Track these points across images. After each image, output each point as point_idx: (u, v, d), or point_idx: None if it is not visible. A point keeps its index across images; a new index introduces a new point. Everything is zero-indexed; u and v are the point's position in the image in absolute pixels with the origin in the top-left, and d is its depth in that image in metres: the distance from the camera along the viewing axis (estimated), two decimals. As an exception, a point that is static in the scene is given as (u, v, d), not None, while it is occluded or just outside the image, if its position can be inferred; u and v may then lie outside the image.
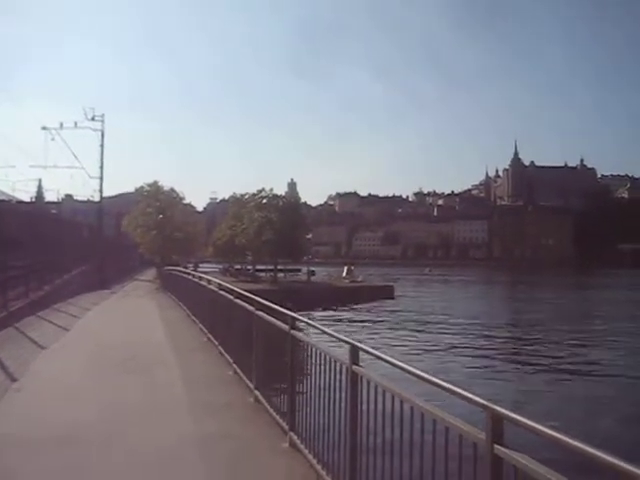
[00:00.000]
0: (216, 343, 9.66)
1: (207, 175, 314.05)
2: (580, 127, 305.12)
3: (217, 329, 9.85)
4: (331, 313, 32.41)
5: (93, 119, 31.68)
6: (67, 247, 22.38)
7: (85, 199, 43.00)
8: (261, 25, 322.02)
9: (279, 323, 5.65)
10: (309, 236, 51.63)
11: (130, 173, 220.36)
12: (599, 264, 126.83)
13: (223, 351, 8.92)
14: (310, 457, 4.55)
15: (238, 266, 57.92)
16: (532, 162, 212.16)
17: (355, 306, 36.00)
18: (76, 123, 31.18)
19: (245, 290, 7.97)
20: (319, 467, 4.33)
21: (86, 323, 14.04)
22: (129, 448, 4.95)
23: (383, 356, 3.41)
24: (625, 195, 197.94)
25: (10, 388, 6.98)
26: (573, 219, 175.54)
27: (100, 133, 32.21)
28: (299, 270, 54.31)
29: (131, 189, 47.95)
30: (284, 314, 5.54)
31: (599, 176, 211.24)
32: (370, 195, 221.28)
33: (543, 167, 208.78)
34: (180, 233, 40.41)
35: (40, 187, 54.72)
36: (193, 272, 17.84)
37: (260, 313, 6.48)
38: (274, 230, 42.66)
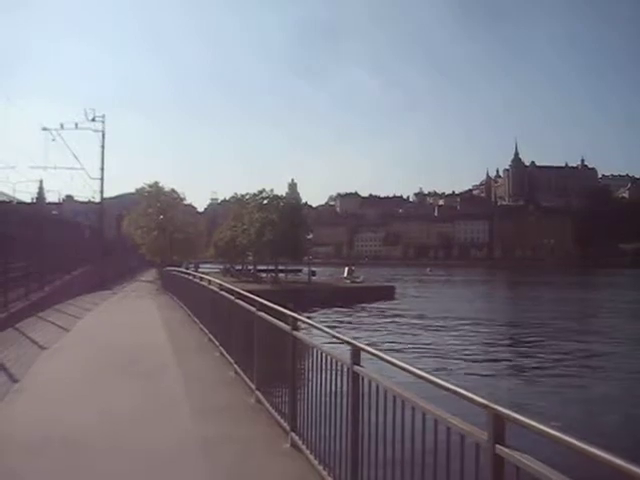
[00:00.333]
0: (217, 344, 9.65)
1: (208, 176, 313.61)
2: (581, 127, 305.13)
3: (218, 330, 9.84)
4: (332, 313, 32.39)
5: (94, 120, 31.69)
6: (68, 248, 22.39)
7: (86, 200, 42.95)
8: (259, 25, 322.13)
9: (280, 324, 5.64)
10: (310, 236, 51.67)
11: (131, 174, 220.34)
12: (600, 264, 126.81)
13: (224, 352, 8.91)
14: (311, 458, 4.54)
15: (239, 267, 57.96)
16: (533, 162, 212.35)
17: (356, 306, 35.98)
18: (77, 124, 31.17)
19: (246, 291, 7.96)
20: (320, 468, 4.32)
21: (87, 324, 14.03)
22: (130, 449, 4.95)
23: (384, 356, 3.40)
24: (626, 195, 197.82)
25: (12, 389, 6.98)
26: (574, 219, 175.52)
27: (101, 134, 32.26)
28: (300, 270, 54.32)
29: (132, 190, 48.04)
30: (285, 315, 5.53)
31: (600, 176, 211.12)
32: (371, 195, 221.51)
33: (544, 167, 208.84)
34: (181, 234, 40.48)
35: (41, 188, 54.64)
36: (194, 273, 17.84)
37: (261, 314, 6.47)
38: (275, 231, 42.71)
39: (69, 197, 63.51)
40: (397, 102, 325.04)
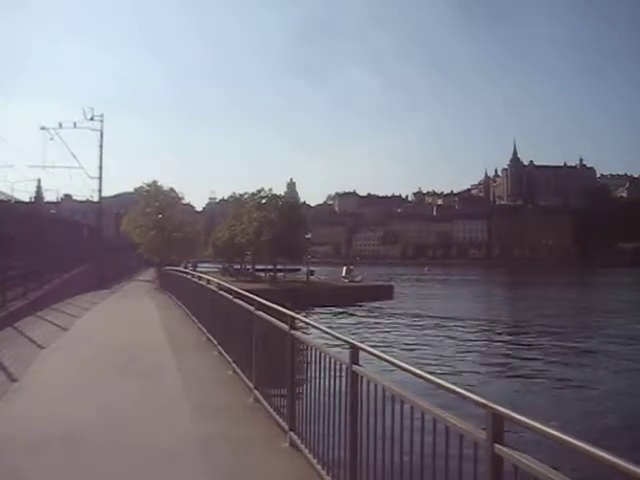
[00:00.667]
0: (215, 343, 9.64)
1: (206, 175, 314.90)
2: (579, 127, 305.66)
3: (216, 329, 9.83)
4: (330, 313, 32.38)
5: (92, 119, 31.69)
6: (66, 247, 22.35)
7: (84, 199, 42.94)
8: (258, 24, 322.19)
9: (279, 323, 5.64)
10: (308, 236, 51.57)
11: (130, 173, 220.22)
12: (599, 263, 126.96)
13: (222, 351, 8.90)
14: (310, 457, 4.54)
15: (237, 266, 57.92)
16: (531, 161, 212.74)
17: (354, 306, 35.97)
18: (75, 123, 31.18)
19: (245, 290, 7.96)
20: (319, 467, 4.32)
21: (85, 323, 14.02)
22: (129, 448, 4.94)
23: (383, 356, 3.41)
24: (624, 194, 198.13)
25: (10, 388, 6.98)
26: (572, 218, 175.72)
27: (99, 133, 32.24)
28: (298, 270, 54.28)
29: (130, 189, 48.06)
30: (284, 314, 5.53)
31: (598, 175, 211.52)
32: (369, 195, 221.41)
33: (542, 166, 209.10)
34: (179, 233, 40.47)
35: (39, 187, 54.68)
36: (192, 272, 17.83)
37: (260, 313, 6.46)
38: (273, 230, 42.65)
39: (67, 196, 63.63)
40: (396, 102, 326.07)
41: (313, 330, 5.22)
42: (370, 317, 32.18)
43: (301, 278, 49.54)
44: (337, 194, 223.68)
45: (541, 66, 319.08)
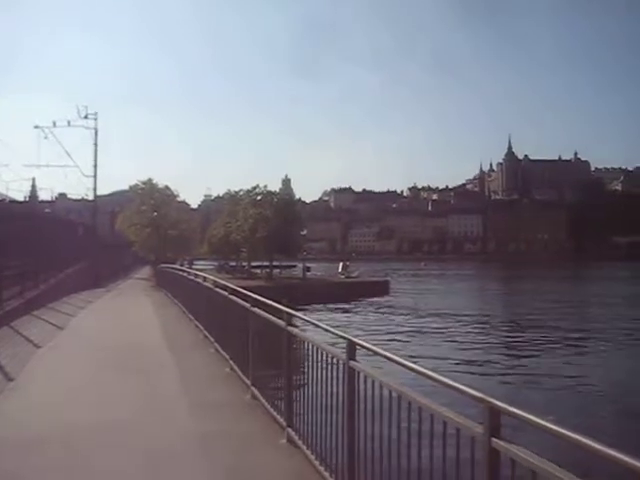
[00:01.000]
0: (212, 340, 9.63)
1: (201, 172, 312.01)
2: (574, 120, 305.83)
3: (213, 326, 9.83)
4: (327, 309, 32.40)
5: (86, 117, 31.53)
6: (61, 246, 22.29)
7: (79, 197, 42.82)
8: (260, 19, 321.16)
9: (275, 319, 5.64)
10: (304, 232, 51.61)
11: (124, 171, 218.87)
12: (594, 257, 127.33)
13: (219, 348, 8.90)
14: (308, 453, 4.55)
15: (233, 263, 57.87)
16: (526, 156, 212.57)
17: (351, 302, 35.99)
18: (69, 122, 31.03)
19: (241, 287, 7.96)
20: (317, 463, 4.33)
21: (81, 322, 14.01)
22: (127, 446, 4.94)
23: (380, 351, 3.41)
24: (619, 188, 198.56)
25: (6, 387, 6.96)
26: (567, 212, 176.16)
27: (94, 131, 32.12)
28: (294, 266, 54.27)
29: (125, 187, 47.83)
30: (280, 310, 5.53)
31: (593, 169, 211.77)
32: (365, 191, 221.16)
33: (537, 161, 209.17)
34: (175, 231, 40.34)
35: (34, 186, 54.41)
36: (188, 269, 17.81)
37: (256, 309, 6.47)
38: (269, 227, 42.59)
39: (62, 195, 63.27)
40: (391, 98, 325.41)
41: (309, 326, 5.22)
42: (367, 313, 32.20)
43: (297, 275, 49.53)
44: (332, 190, 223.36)
45: (535, 60, 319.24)
